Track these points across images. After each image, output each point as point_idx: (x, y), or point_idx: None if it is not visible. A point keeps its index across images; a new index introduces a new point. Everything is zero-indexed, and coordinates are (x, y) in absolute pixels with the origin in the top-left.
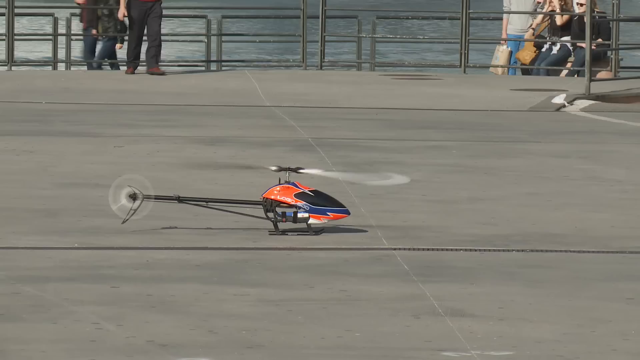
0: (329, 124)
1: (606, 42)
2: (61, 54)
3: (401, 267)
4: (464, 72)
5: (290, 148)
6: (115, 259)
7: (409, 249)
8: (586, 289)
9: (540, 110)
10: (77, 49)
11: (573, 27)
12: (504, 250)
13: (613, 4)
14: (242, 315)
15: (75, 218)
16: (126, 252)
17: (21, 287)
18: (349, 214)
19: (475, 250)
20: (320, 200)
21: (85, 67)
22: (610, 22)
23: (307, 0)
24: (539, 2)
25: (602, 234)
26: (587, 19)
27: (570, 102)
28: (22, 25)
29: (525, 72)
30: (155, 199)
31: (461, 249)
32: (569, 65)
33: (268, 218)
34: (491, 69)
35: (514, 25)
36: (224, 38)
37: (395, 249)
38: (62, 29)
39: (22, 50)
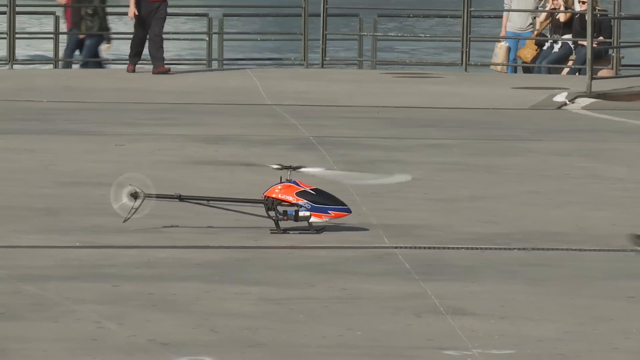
0: (330, 122)
1: (607, 40)
2: (62, 52)
3: (402, 265)
4: (465, 70)
5: (292, 146)
6: (116, 258)
7: (410, 248)
8: (587, 287)
9: (542, 108)
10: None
11: (574, 25)
12: (505, 249)
13: (614, 2)
14: (243, 314)
15: (77, 217)
16: (127, 250)
17: (22, 286)
18: (350, 212)
19: (477, 249)
20: (321, 199)
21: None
22: (612, 20)
23: None
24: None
25: (603, 232)
26: (588, 17)
27: (572, 100)
28: (23, 22)
29: (527, 70)
30: (156, 197)
31: (462, 248)
32: (570, 63)
33: (269, 216)
34: (492, 67)
35: (513, 23)
36: (225, 36)
37: (396, 248)
38: (63, 28)
39: (23, 48)
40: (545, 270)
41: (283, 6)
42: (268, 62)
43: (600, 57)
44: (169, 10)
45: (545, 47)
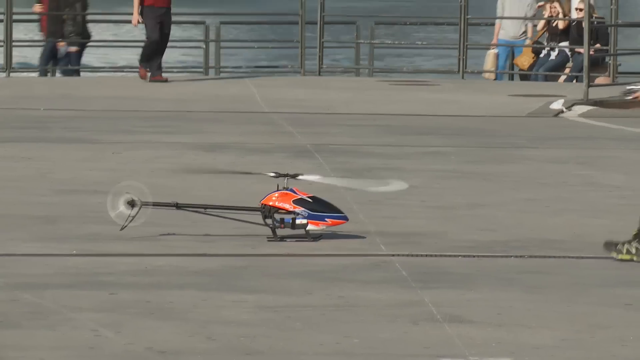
0: (327, 130)
1: (604, 48)
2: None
3: (400, 273)
4: (462, 77)
5: (289, 154)
6: (113, 266)
7: (408, 255)
8: (585, 294)
9: (539, 115)
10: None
11: (571, 32)
12: (502, 256)
13: (611, 9)
14: (240, 322)
15: (74, 225)
16: (125, 258)
17: (19, 294)
18: (347, 220)
19: (474, 257)
20: (318, 207)
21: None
22: (609, 28)
23: (305, 6)
24: (540, 7)
25: (600, 239)
26: (585, 25)
27: (569, 108)
28: (19, 31)
29: (524, 77)
30: (153, 205)
31: (460, 255)
32: (567, 70)
33: (266, 224)
34: (483, 74)
35: (506, 31)
36: (222, 44)
37: (393, 255)
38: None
39: (20, 56)
40: (543, 277)
41: (280, 14)
42: (265, 70)
43: (597, 64)
44: None
45: (542, 55)
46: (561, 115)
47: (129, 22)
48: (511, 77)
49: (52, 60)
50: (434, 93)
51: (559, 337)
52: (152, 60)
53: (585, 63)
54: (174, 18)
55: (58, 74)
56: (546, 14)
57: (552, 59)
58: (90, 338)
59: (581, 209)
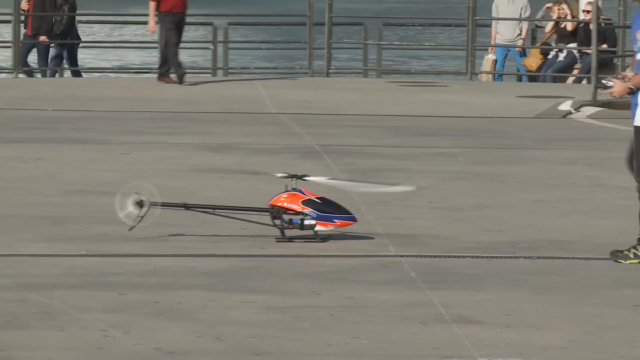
0: (335, 131)
1: (612, 49)
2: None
3: (408, 274)
4: (470, 79)
5: (297, 155)
6: (122, 266)
7: (416, 256)
8: (593, 295)
9: (547, 117)
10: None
11: (579, 34)
12: (510, 257)
13: (619, 10)
14: (249, 323)
15: (82, 225)
16: (133, 259)
17: (28, 295)
18: (355, 221)
19: (482, 258)
20: (327, 208)
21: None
22: (616, 29)
23: (313, 7)
24: (548, 8)
25: (608, 240)
26: (593, 26)
27: (577, 109)
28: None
29: (532, 79)
30: (162, 206)
31: (468, 256)
32: (575, 72)
33: (275, 225)
34: (479, 76)
35: (502, 34)
36: (230, 45)
37: (402, 256)
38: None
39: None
40: (551, 278)
41: (288, 15)
42: (273, 70)
43: (605, 65)
44: None
45: (550, 56)
46: (569, 116)
47: (132, 23)
48: (519, 79)
49: (43, 59)
50: (441, 94)
51: (567, 338)
52: (166, 62)
53: (594, 64)
54: None
55: (65, 75)
56: (554, 15)
57: (560, 60)
58: (99, 338)
59: (589, 210)
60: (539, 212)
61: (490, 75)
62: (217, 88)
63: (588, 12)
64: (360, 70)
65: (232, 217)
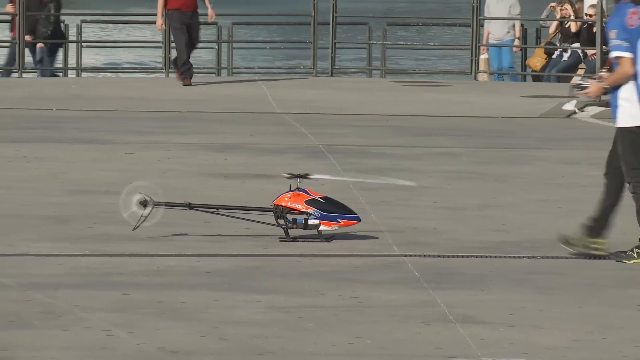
0: (339, 130)
1: None
2: (72, 60)
3: (412, 273)
4: (475, 78)
5: (301, 155)
6: (125, 266)
7: (420, 256)
8: (597, 295)
9: (551, 117)
10: (87, 56)
11: (582, 34)
12: (514, 257)
13: None
14: (252, 322)
15: (86, 225)
16: (137, 259)
17: (32, 294)
18: (359, 220)
19: (486, 257)
20: (331, 207)
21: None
22: None
23: (317, 7)
24: (552, 7)
25: (612, 240)
26: (597, 26)
27: (581, 109)
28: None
29: (536, 78)
30: (165, 205)
31: (472, 256)
32: (579, 72)
33: (279, 225)
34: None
35: (493, 33)
36: (234, 45)
37: (405, 256)
38: (72, 37)
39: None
40: (555, 278)
41: (292, 15)
42: (277, 70)
43: None
44: None
45: (554, 56)
46: (573, 116)
47: (135, 22)
48: (524, 78)
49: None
50: (445, 94)
51: (571, 337)
52: (182, 64)
53: (598, 64)
54: None
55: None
56: (557, 15)
57: (564, 60)
58: (103, 338)
59: (593, 210)
60: (543, 212)
61: (486, 75)
62: (221, 88)
63: (591, 15)
64: (364, 70)
65: (236, 217)
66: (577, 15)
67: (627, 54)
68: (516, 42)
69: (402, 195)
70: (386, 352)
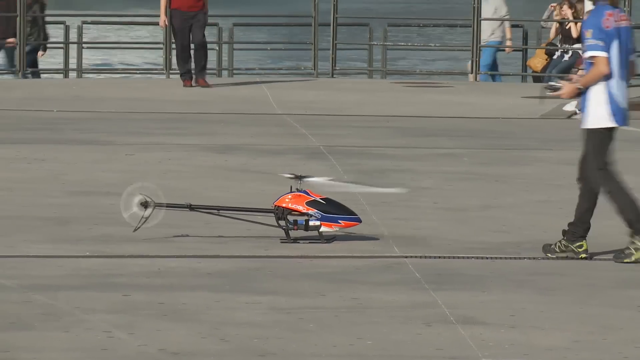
0: (340, 131)
1: None
2: (72, 62)
3: (412, 275)
4: (475, 79)
5: (302, 156)
6: (126, 267)
7: (420, 257)
8: (597, 296)
9: (552, 117)
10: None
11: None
12: (515, 258)
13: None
14: (253, 324)
15: (87, 226)
16: (137, 260)
17: (32, 296)
18: (360, 221)
19: (487, 258)
20: (331, 208)
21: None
22: None
23: (318, 7)
24: (553, 7)
25: (613, 241)
26: None
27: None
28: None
29: (537, 79)
30: (166, 207)
31: (472, 257)
32: (580, 72)
33: (279, 226)
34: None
35: (483, 35)
36: (235, 46)
37: (406, 257)
38: (73, 37)
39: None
40: (555, 279)
41: (293, 15)
42: (278, 71)
43: None
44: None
45: (555, 57)
46: (574, 117)
47: (136, 23)
48: (524, 79)
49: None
50: (446, 95)
51: (572, 338)
52: (180, 65)
53: None
54: None
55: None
56: (558, 17)
57: (565, 61)
58: (103, 339)
59: (594, 210)
60: (544, 213)
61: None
62: (222, 89)
63: None
64: (365, 71)
65: (236, 218)
66: (578, 16)
67: (603, 54)
68: (508, 43)
69: (402, 196)
70: (387, 353)
